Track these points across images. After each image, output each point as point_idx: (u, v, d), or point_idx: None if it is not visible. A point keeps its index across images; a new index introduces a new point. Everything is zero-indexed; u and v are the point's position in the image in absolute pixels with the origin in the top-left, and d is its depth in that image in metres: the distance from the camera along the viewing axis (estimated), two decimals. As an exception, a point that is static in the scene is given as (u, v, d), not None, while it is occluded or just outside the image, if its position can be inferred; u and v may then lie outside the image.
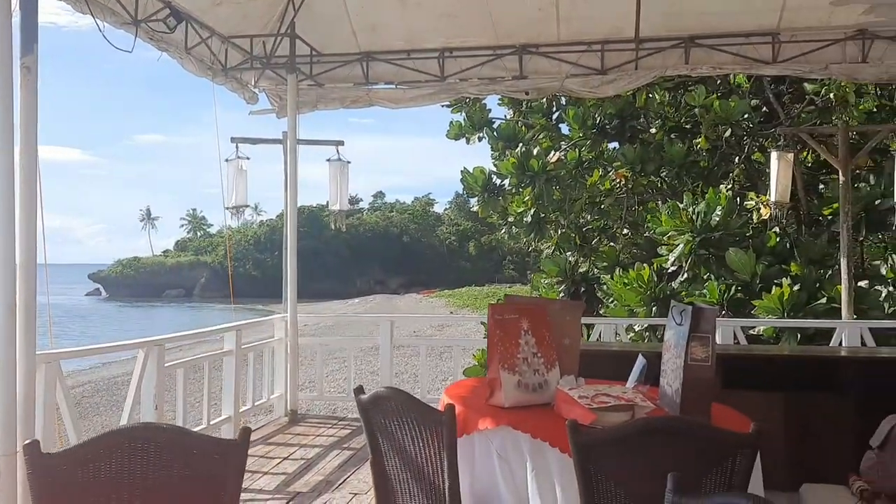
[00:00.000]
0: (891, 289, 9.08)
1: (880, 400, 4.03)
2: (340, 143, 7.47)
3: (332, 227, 7.96)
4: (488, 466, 2.99)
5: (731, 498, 1.53)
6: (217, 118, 6.97)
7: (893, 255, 9.67)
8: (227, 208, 7.29)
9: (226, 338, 6.49)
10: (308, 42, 6.90)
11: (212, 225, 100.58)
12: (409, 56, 6.96)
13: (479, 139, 11.39)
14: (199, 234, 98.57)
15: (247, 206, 7.41)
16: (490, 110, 11.53)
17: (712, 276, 8.74)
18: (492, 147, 11.51)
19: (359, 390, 2.88)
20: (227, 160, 7.22)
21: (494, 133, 11.43)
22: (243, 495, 4.89)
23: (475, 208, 12.07)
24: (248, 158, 7.29)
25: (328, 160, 7.57)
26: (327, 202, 7.97)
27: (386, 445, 2.82)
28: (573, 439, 2.39)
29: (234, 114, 9.15)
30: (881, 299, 8.81)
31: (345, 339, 13.95)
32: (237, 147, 7.27)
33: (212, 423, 6.16)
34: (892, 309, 8.78)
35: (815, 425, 4.94)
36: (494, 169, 11.12)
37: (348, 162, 7.49)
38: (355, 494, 4.96)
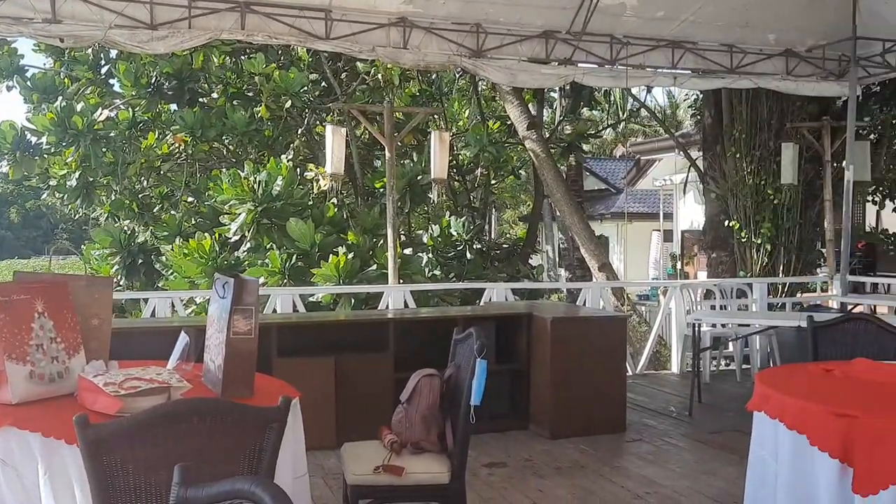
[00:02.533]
0: (430, 255, 10.24)
1: (417, 356, 4.42)
2: None
3: None
4: (-10, 477, 2.49)
5: (237, 483, 1.43)
6: None
7: (433, 226, 10.92)
8: None
9: None
10: None
11: None
12: None
13: (9, 88, 9.78)
14: None
15: None
16: (23, 56, 9.97)
17: (274, 246, 8.84)
18: (25, 99, 9.98)
19: None
20: None
21: (28, 83, 9.90)
22: None
23: (6, 169, 10.39)
24: None
25: None
26: None
27: None
28: (80, 435, 2.09)
29: None
30: (423, 265, 9.88)
31: None
32: None
33: None
34: (431, 273, 9.91)
35: (365, 385, 5.25)
36: (29, 124, 9.66)
37: None
38: None
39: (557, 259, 20.12)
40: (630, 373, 7.62)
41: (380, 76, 10.50)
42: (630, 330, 11.53)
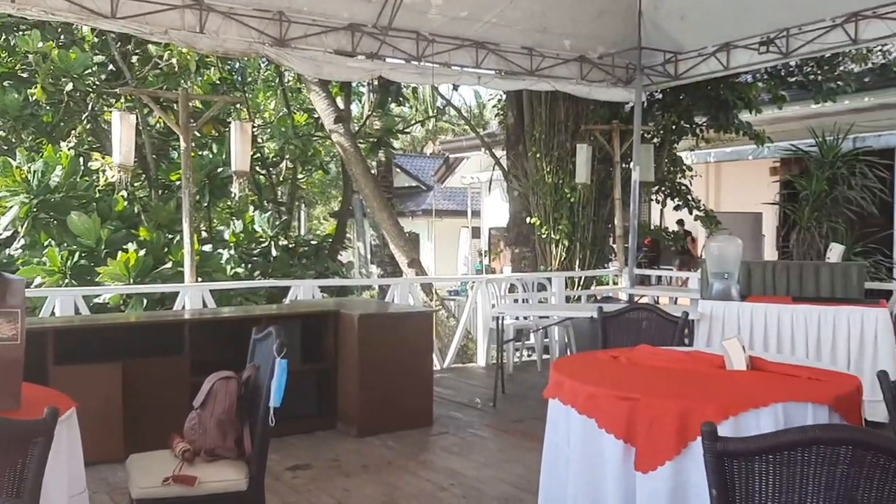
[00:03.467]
0: (233, 252, 9.79)
1: (216, 359, 4.16)
2: None
3: None
4: None
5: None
6: None
7: (235, 221, 10.45)
8: None
9: None
10: None
11: None
12: None
13: None
14: None
15: None
16: None
17: (53, 242, 8.02)
18: None
19: None
20: None
21: None
22: None
23: None
24: None
25: None
26: None
27: None
28: None
29: None
30: (224, 262, 9.42)
31: None
32: None
33: None
34: (234, 271, 9.48)
35: (157, 391, 4.89)
36: None
37: None
38: None
39: (369, 256, 20.13)
40: (438, 367, 7.74)
41: (174, 61, 9.86)
42: (439, 325, 11.76)
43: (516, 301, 8.53)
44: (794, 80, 10.21)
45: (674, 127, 10.32)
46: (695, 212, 10.69)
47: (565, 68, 8.36)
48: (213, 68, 11.22)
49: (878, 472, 1.61)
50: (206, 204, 10.24)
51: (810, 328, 5.80)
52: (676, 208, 11.01)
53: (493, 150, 12.50)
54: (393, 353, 5.48)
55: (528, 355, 8.75)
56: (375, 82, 11.36)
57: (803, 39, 7.20)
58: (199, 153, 10.05)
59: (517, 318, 7.98)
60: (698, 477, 2.57)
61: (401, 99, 11.68)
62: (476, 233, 21.57)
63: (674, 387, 3.09)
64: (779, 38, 7.36)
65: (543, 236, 9.95)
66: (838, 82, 10.01)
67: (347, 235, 18.22)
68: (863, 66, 10.69)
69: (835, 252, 6.52)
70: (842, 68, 10.28)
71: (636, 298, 8.46)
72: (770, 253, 13.28)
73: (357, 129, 13.36)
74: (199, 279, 7.79)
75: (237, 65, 12.70)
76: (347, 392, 5.51)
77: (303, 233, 17.45)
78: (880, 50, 10.54)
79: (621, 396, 2.87)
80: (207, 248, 9.28)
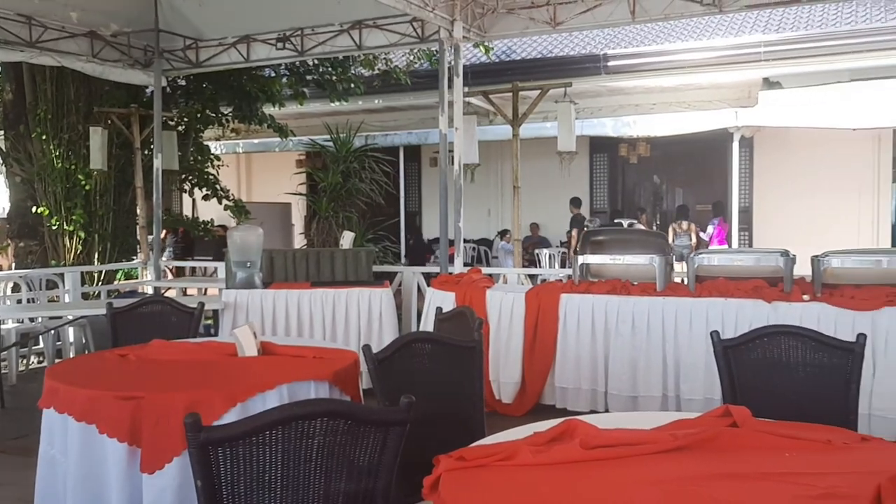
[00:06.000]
0: None
1: None
2: None
3: None
4: None
5: None
6: None
7: None
8: None
9: None
10: None
11: None
12: None
13: None
14: None
15: None
16: None
17: None
18: None
19: None
20: None
21: None
22: None
23: None
24: None
25: None
26: None
27: None
28: None
29: None
30: None
31: None
32: None
33: None
34: None
35: None
36: None
37: None
38: None
39: None
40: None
41: None
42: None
43: (20, 301, 7.49)
44: (311, 78, 10.84)
45: (199, 115, 10.15)
46: (224, 202, 10.67)
47: (73, 43, 7.60)
48: None
49: (349, 437, 1.74)
50: None
51: (327, 310, 6.25)
52: (205, 198, 10.87)
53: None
54: None
55: (39, 362, 7.78)
56: None
57: (316, 40, 7.68)
58: None
59: (22, 322, 7.02)
60: (205, 469, 2.53)
61: None
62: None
63: (183, 380, 3.01)
64: (294, 36, 7.73)
65: (54, 228, 8.93)
66: (350, 84, 10.92)
67: None
68: (371, 71, 11.88)
69: (346, 239, 7.12)
70: (353, 71, 11.25)
71: (163, 291, 8.12)
72: (300, 241, 14.02)
73: None
74: None
75: None
76: None
77: None
78: (384, 57, 11.82)
79: (124, 397, 2.69)
80: None
